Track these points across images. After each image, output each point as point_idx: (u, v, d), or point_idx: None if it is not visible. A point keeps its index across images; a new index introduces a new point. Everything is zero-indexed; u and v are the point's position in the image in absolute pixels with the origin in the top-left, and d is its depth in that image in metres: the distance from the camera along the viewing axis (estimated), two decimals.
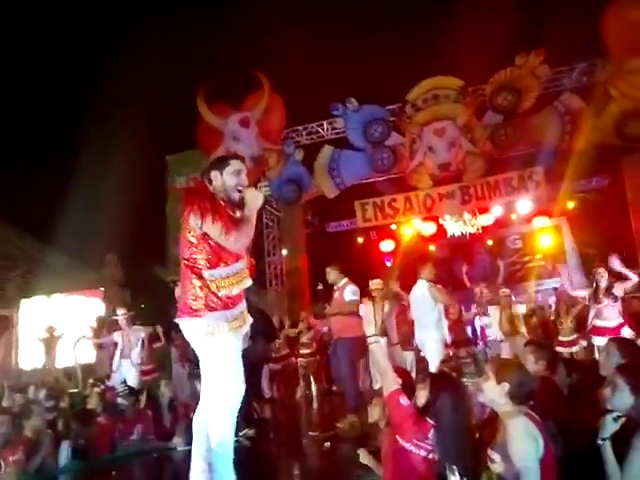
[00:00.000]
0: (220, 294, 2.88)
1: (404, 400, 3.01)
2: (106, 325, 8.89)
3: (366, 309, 7.57)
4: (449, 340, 7.00)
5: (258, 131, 11.95)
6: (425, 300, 6.42)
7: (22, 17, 15.20)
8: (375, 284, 7.76)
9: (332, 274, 6.33)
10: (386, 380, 3.14)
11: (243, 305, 3.02)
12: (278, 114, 11.95)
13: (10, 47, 14.81)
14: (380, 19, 14.18)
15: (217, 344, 2.90)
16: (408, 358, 8.16)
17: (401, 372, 3.37)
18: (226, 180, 3.00)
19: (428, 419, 2.96)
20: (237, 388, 2.95)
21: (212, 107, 12.02)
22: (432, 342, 6.37)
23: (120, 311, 8.24)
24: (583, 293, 7.07)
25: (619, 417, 2.55)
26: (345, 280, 6.26)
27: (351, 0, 14.74)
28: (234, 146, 11.94)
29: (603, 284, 6.10)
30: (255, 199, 2.97)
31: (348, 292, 6.10)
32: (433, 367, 5.84)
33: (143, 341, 8.49)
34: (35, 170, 14.37)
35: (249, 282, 3.03)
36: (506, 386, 2.61)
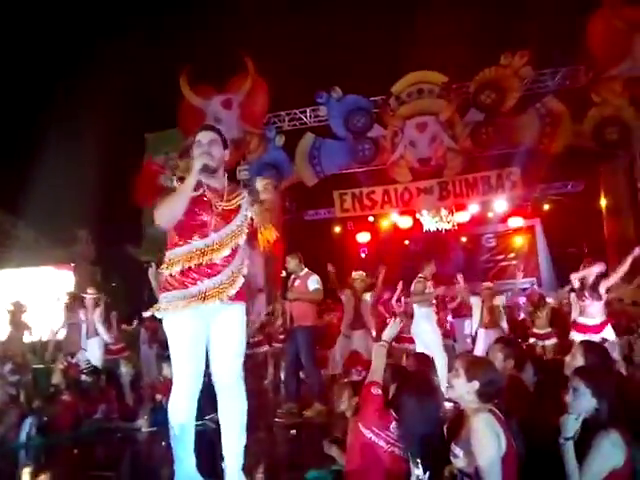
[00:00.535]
0: (171, 273, 2.89)
1: (375, 390, 3.03)
2: (76, 302, 8.75)
3: (347, 300, 7.65)
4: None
5: (240, 113, 11.83)
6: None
7: None
8: (358, 275, 7.80)
9: (292, 263, 6.48)
10: (372, 375, 3.16)
11: (213, 282, 2.90)
12: (261, 98, 11.84)
13: None
14: (369, 10, 14.10)
15: (170, 323, 2.91)
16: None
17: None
18: (194, 152, 3.00)
19: (392, 412, 2.97)
20: (189, 370, 2.90)
21: (195, 88, 11.87)
22: (422, 332, 6.76)
23: (89, 291, 8.14)
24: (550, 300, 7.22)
25: (579, 417, 2.58)
26: (306, 270, 6.44)
27: None
28: None
29: (589, 280, 6.13)
30: (195, 164, 2.90)
31: (313, 281, 6.26)
32: (437, 358, 5.85)
33: (110, 321, 8.43)
34: (9, 142, 14.02)
35: (204, 259, 2.90)
36: (476, 384, 2.61)
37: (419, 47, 12.81)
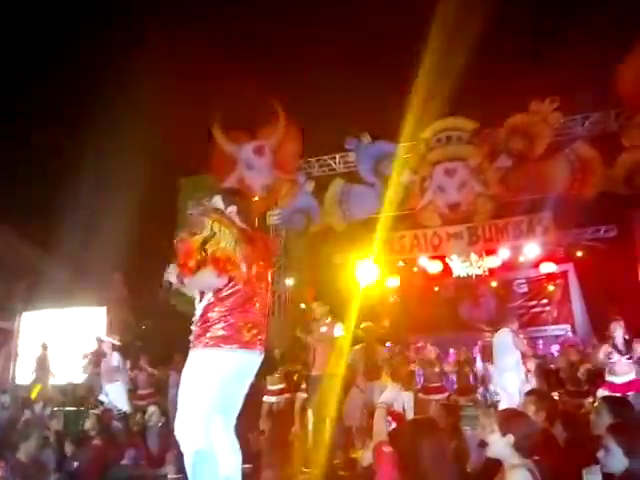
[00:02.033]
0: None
1: (386, 448, 3.00)
2: (103, 347, 8.88)
3: (357, 352, 7.59)
4: (526, 384, 7.09)
5: (272, 160, 12.05)
6: (507, 346, 6.96)
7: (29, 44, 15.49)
8: (367, 325, 7.76)
9: (321, 310, 6.52)
10: (376, 437, 3.12)
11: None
12: (294, 145, 12.05)
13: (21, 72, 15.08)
14: (397, 56, 14.38)
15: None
16: (406, 398, 8.09)
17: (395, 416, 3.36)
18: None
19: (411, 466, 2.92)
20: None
21: (228, 134, 12.15)
22: (515, 383, 6.76)
23: (110, 337, 8.26)
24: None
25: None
26: (331, 318, 6.54)
27: (369, 36, 14.97)
28: (247, 173, 12.05)
29: (619, 339, 6.02)
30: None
31: (338, 329, 6.27)
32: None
33: (140, 366, 8.49)
34: (47, 185, 14.50)
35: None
36: (511, 438, 2.57)
37: (448, 93, 13.00)
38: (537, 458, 2.60)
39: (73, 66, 15.36)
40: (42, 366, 11.09)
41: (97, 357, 9.63)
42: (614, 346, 6.08)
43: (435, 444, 2.86)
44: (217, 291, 2.97)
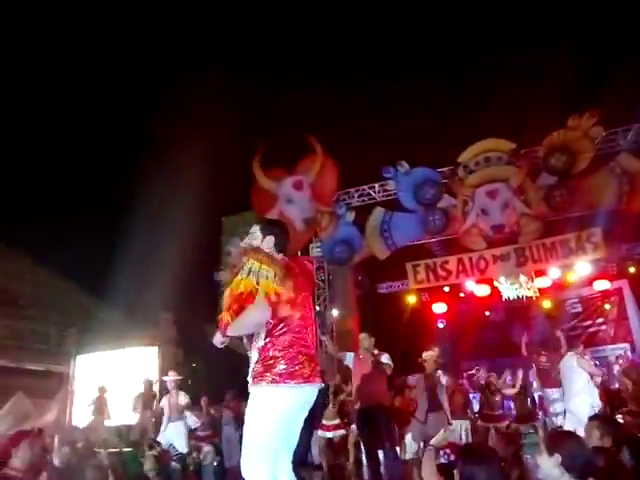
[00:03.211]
0: None
1: None
2: (166, 385, 8.98)
3: (418, 382, 7.49)
4: (599, 406, 6.92)
5: (311, 194, 12.16)
6: (573, 370, 6.92)
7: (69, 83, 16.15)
8: (428, 355, 7.65)
9: (367, 342, 6.57)
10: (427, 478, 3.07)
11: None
12: (331, 177, 12.15)
13: (62, 112, 15.74)
14: (431, 81, 14.47)
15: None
16: (463, 427, 7.90)
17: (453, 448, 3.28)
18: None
19: None
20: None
21: (267, 171, 12.37)
22: (585, 407, 6.58)
23: (171, 373, 8.32)
24: None
25: None
26: (377, 350, 6.59)
27: (402, 63, 15.13)
28: (288, 208, 12.19)
29: None
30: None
31: (385, 357, 6.28)
32: None
33: (200, 405, 8.52)
34: (93, 228, 14.95)
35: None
36: (558, 458, 2.50)
37: (484, 115, 12.96)
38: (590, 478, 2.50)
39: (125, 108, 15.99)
40: (99, 409, 11.27)
41: (148, 398, 9.74)
42: None
43: (486, 471, 2.77)
44: (272, 328, 3.00)
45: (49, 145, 15.58)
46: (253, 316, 2.94)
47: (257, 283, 2.90)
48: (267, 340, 3.00)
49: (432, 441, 3.20)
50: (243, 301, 2.96)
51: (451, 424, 7.37)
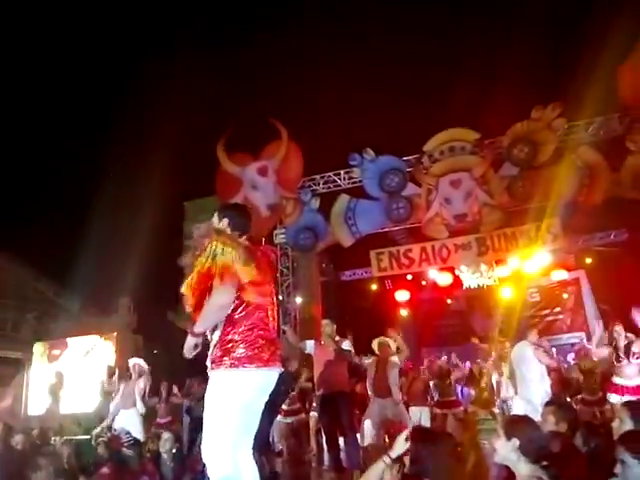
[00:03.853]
0: None
1: None
2: (117, 373, 8.82)
3: (370, 366, 7.50)
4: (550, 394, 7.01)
5: (276, 179, 12.06)
6: (529, 359, 6.92)
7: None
8: (379, 340, 7.66)
9: (329, 328, 6.58)
10: None
11: None
12: (296, 163, 12.07)
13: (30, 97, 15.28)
14: (397, 70, 14.49)
15: None
16: (423, 414, 7.99)
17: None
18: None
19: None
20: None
21: (231, 156, 12.20)
22: (539, 394, 6.63)
23: (136, 359, 8.18)
24: (605, 352, 6.92)
25: None
26: (338, 337, 6.64)
27: (368, 51, 15.10)
28: (252, 194, 12.06)
29: (621, 342, 6.01)
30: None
31: (346, 344, 6.31)
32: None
33: (160, 392, 8.40)
34: (52, 214, 14.60)
35: None
36: (516, 442, 2.54)
37: (449, 105, 13.04)
38: (546, 464, 2.55)
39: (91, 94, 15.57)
40: (55, 395, 11.04)
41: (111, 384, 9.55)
42: (616, 349, 6.10)
43: (435, 451, 2.79)
44: (232, 312, 2.97)
45: (7, 129, 15.09)
46: (218, 299, 2.88)
47: (220, 264, 2.87)
48: (226, 324, 2.97)
49: (391, 453, 3.09)
50: (206, 282, 2.92)
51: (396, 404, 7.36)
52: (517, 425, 2.67)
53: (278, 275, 12.86)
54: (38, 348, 13.49)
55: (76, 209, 14.60)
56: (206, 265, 2.90)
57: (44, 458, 5.49)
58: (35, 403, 12.60)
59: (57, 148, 15.56)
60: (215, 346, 2.98)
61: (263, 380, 2.99)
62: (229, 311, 2.96)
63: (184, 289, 3.02)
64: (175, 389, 9.77)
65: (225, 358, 2.91)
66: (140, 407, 7.70)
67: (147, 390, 7.99)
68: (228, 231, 3.09)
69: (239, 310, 2.97)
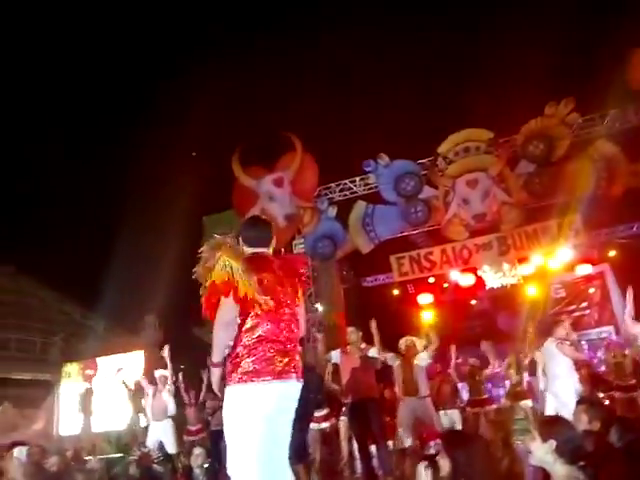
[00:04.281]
0: None
1: None
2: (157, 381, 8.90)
3: (397, 367, 7.47)
4: (580, 390, 6.93)
5: (292, 190, 12.14)
6: (553, 355, 6.79)
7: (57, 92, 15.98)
8: (406, 340, 7.63)
9: (354, 335, 6.56)
10: None
11: None
12: (311, 173, 12.14)
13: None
14: (407, 74, 14.49)
15: None
16: (454, 417, 7.95)
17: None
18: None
19: None
20: None
21: (246, 169, 12.32)
22: (568, 390, 6.51)
23: (160, 370, 8.28)
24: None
25: None
26: (365, 343, 6.61)
27: (376, 56, 15.12)
28: (269, 205, 12.15)
29: None
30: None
31: (372, 351, 6.29)
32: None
33: (190, 399, 8.49)
34: (75, 237, 14.81)
35: None
36: (553, 443, 2.50)
37: (461, 106, 13.00)
38: (583, 464, 2.52)
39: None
40: (87, 415, 11.17)
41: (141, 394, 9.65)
42: None
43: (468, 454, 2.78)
44: (241, 324, 2.92)
45: (31, 153, 15.39)
46: (221, 315, 2.85)
47: (219, 278, 2.83)
48: (238, 336, 2.92)
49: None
50: (216, 296, 2.88)
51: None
52: (552, 426, 2.63)
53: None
54: (70, 368, 13.67)
55: (98, 231, 14.83)
56: (211, 279, 2.87)
57: (80, 477, 5.58)
58: (67, 424, 12.75)
59: (80, 172, 15.82)
60: (227, 360, 2.94)
61: (275, 393, 2.87)
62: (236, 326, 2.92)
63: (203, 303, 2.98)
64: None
65: (234, 373, 2.87)
66: (171, 410, 7.76)
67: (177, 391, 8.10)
68: (233, 244, 3.01)
69: (246, 322, 2.91)
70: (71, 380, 13.48)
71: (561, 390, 6.59)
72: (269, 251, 3.16)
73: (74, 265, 14.22)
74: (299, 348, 3.08)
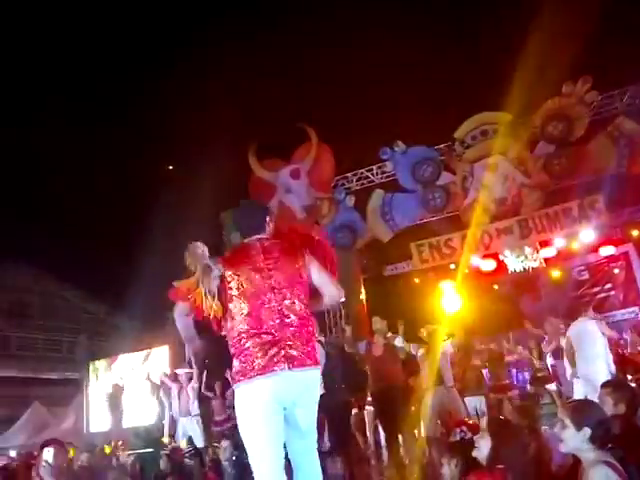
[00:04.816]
0: None
1: None
2: (180, 379, 9.03)
3: (422, 356, 7.46)
4: (614, 372, 6.88)
5: (309, 181, 12.14)
6: (592, 334, 6.74)
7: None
8: (428, 328, 7.61)
9: (380, 324, 6.52)
10: None
11: None
12: (327, 163, 12.12)
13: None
14: (422, 57, 14.34)
15: None
16: (479, 403, 7.91)
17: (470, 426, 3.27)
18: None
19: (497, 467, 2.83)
20: None
21: (263, 162, 12.33)
22: (603, 372, 6.45)
23: (180, 370, 8.39)
24: None
25: None
26: (390, 333, 6.67)
27: (391, 42, 14.99)
28: (286, 197, 12.17)
29: None
30: None
31: (398, 340, 6.28)
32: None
33: (215, 390, 8.60)
34: (100, 237, 14.99)
35: None
36: (587, 431, 2.47)
37: (477, 89, 12.84)
38: (611, 446, 2.49)
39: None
40: (115, 406, 11.35)
41: (166, 391, 9.80)
42: None
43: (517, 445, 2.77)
44: (225, 323, 2.87)
45: (57, 154, 15.57)
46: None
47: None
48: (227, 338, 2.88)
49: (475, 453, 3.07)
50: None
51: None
52: (586, 413, 2.56)
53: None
54: (98, 366, 13.87)
55: (120, 229, 14.98)
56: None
57: (112, 472, 5.68)
58: (96, 420, 12.97)
59: (101, 171, 16.00)
60: None
61: (268, 389, 2.70)
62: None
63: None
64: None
65: (231, 375, 2.87)
66: (195, 409, 7.87)
67: (201, 388, 8.19)
68: (200, 252, 2.94)
69: (228, 322, 2.83)
70: (99, 378, 13.68)
71: (597, 372, 6.47)
72: (264, 236, 3.02)
73: (97, 264, 14.41)
74: (305, 331, 2.84)
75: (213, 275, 2.82)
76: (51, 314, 14.96)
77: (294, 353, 2.76)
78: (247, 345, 2.75)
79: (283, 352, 2.74)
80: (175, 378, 8.98)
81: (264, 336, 2.75)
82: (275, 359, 2.71)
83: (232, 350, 2.81)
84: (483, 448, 3.04)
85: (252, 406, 2.73)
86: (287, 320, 2.80)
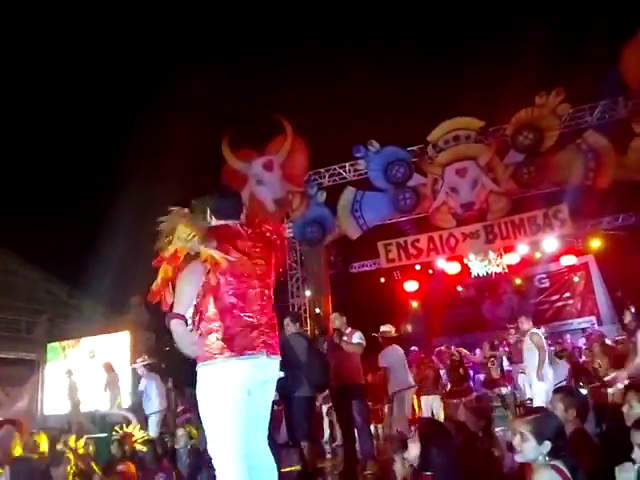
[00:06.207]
0: None
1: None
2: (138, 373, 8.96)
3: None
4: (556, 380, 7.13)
5: (282, 174, 12.09)
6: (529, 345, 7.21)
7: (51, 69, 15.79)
8: (385, 328, 7.74)
9: (339, 321, 6.59)
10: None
11: None
12: (301, 157, 12.09)
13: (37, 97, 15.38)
14: (400, 62, 14.42)
15: None
16: (435, 403, 8.06)
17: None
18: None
19: (425, 473, 2.87)
20: None
21: (236, 152, 12.24)
22: (534, 384, 6.93)
23: (139, 359, 8.32)
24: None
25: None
26: (350, 328, 6.58)
27: (370, 42, 15.05)
28: (258, 189, 12.11)
29: (627, 320, 6.02)
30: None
31: (356, 336, 6.33)
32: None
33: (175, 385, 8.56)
34: (65, 216, 14.69)
35: None
36: (548, 445, 2.49)
37: (453, 94, 12.98)
38: (563, 454, 2.54)
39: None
40: (72, 394, 11.18)
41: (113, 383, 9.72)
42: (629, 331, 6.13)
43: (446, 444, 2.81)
44: (201, 298, 2.76)
45: (23, 132, 15.20)
46: (185, 280, 2.64)
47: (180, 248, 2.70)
48: (199, 311, 2.77)
49: (406, 455, 3.10)
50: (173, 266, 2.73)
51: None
52: (547, 426, 2.56)
53: (287, 269, 12.92)
54: (54, 348, 13.60)
55: (86, 210, 14.71)
56: (172, 250, 2.73)
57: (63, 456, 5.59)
58: (51, 403, 12.74)
59: (67, 150, 15.68)
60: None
61: (244, 370, 2.69)
62: (197, 295, 2.73)
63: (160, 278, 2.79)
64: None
65: (199, 351, 2.67)
66: (157, 405, 7.83)
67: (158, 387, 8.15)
68: (191, 216, 2.90)
69: (207, 297, 2.75)
70: (56, 360, 13.42)
71: (539, 380, 6.75)
72: (239, 222, 3.02)
73: (61, 244, 14.12)
74: (275, 322, 2.90)
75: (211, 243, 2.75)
76: (11, 293, 14.61)
77: (271, 341, 2.82)
78: (228, 323, 2.72)
79: (262, 338, 2.78)
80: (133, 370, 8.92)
81: (247, 318, 2.76)
82: (254, 343, 2.73)
83: (207, 325, 2.73)
84: (412, 450, 3.03)
85: (226, 386, 2.68)
86: (265, 310, 2.85)
